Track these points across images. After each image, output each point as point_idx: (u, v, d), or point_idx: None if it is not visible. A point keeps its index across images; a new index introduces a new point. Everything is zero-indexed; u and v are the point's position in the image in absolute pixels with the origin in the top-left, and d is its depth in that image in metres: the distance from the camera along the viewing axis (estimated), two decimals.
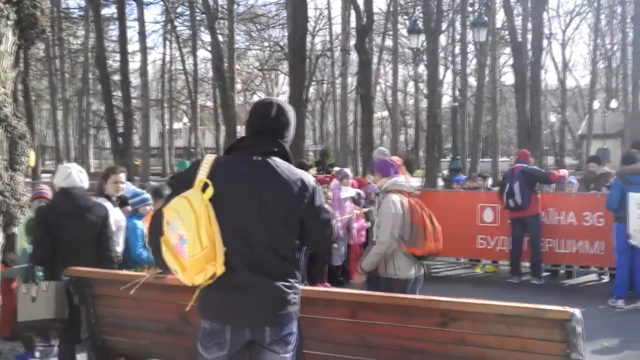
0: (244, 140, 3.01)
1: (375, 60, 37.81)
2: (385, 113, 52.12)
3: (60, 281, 4.55)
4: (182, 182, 2.91)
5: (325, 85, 53.47)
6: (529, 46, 21.79)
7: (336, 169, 10.04)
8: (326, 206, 3.05)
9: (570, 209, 9.53)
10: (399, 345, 3.89)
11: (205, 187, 2.79)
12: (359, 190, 9.74)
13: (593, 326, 7.25)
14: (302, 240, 3.02)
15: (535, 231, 9.35)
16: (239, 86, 59.31)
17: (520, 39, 21.66)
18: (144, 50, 30.31)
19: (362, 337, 3.97)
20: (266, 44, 47.91)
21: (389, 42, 36.17)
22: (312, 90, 56.93)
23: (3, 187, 3.59)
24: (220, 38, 27.89)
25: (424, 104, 40.53)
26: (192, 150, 47.49)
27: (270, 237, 2.87)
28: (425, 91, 33.75)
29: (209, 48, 33.18)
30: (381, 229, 5.19)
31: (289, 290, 2.93)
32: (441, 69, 32.99)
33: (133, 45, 36.91)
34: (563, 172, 10.04)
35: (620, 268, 8.09)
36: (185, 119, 53.93)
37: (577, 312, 3.35)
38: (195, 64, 38.03)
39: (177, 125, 61.67)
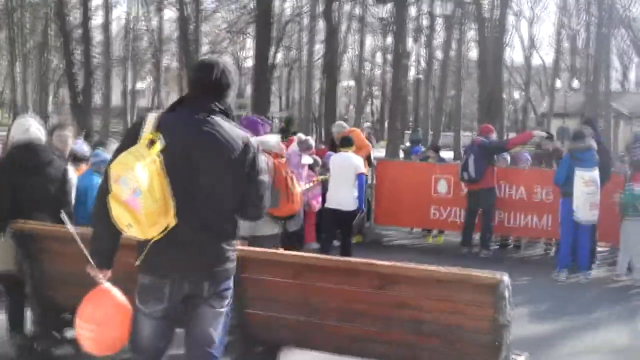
0: (187, 98, 3.05)
1: (344, 28, 37.78)
2: (352, 83, 52.10)
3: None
4: (127, 139, 2.95)
5: (292, 52, 53.20)
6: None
7: (300, 136, 10.08)
8: (266, 169, 3.11)
9: (521, 183, 9.77)
10: (340, 307, 4.01)
11: (151, 143, 2.82)
12: (317, 158, 9.83)
13: (536, 296, 7.61)
14: (241, 205, 3.07)
15: (488, 204, 9.54)
16: (205, 48, 58.76)
17: (487, 15, 21.82)
18: (106, 6, 29.75)
19: (306, 298, 4.08)
20: (234, 6, 47.23)
21: (359, 11, 36.05)
22: (279, 56, 56.56)
23: None
24: None
25: (390, 75, 40.75)
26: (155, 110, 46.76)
27: (214, 194, 2.93)
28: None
29: (176, 7, 32.80)
30: None
31: (229, 248, 3.01)
32: (410, 41, 33.10)
33: (96, 1, 36.18)
34: (536, 132, 10.16)
35: (563, 242, 8.37)
36: (150, 79, 53.16)
37: (505, 277, 3.49)
38: (160, 24, 37.33)
39: (141, 85, 60.82)
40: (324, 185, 9.68)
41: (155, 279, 2.95)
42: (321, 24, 32.24)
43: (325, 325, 4.08)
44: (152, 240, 2.85)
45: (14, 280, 4.78)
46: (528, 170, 10.02)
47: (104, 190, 2.87)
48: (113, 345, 3.11)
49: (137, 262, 2.95)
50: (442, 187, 10.21)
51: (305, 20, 37.44)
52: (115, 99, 53.39)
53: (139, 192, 2.69)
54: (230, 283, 3.07)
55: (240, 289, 4.12)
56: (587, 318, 6.91)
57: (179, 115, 2.98)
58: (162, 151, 2.82)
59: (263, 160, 3.09)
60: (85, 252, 3.09)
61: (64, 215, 3.43)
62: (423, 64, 38.34)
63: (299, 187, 8.84)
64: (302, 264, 4.07)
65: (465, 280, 3.61)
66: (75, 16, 33.54)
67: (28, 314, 5.00)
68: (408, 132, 33.96)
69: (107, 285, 3.09)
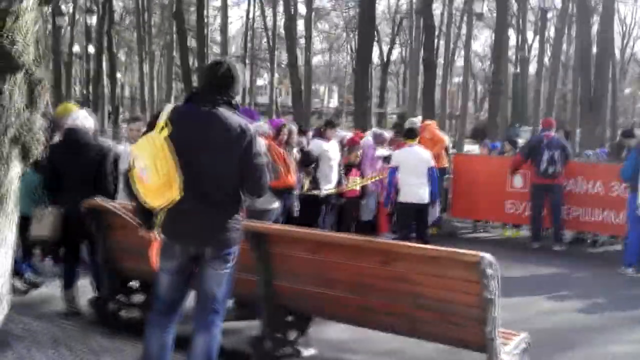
0: (198, 93, 3.64)
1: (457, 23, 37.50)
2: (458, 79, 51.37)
3: (60, 208, 5.39)
4: (149, 126, 3.59)
5: (408, 48, 53.11)
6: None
7: (375, 129, 10.50)
8: (262, 153, 3.63)
9: (598, 178, 9.68)
10: (351, 280, 4.45)
11: (162, 129, 3.43)
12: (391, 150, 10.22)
13: (596, 290, 7.63)
14: (241, 184, 3.61)
15: (559, 199, 9.57)
16: (323, 45, 59.95)
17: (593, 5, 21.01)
18: (224, 7, 31.29)
19: (322, 272, 4.55)
20: (352, 3, 47.96)
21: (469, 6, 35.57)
22: (396, 53, 56.76)
23: (21, 124, 4.37)
24: None
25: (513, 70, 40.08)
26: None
27: (216, 174, 3.49)
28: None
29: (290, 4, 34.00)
30: None
31: (230, 219, 3.56)
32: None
33: (217, 2, 38.07)
34: None
35: (631, 237, 8.27)
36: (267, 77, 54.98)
37: (487, 256, 3.81)
38: (274, 21, 38.61)
39: (261, 82, 63.02)
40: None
41: (168, 240, 3.58)
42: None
43: (339, 297, 4.54)
44: (165, 209, 3.46)
45: (49, 245, 5.68)
46: (605, 165, 9.91)
47: (130, 168, 3.51)
48: None
49: (155, 228, 3.59)
50: (518, 181, 10.28)
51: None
52: (237, 97, 55.78)
53: (147, 168, 3.30)
54: (232, 249, 3.61)
55: (269, 262, 4.70)
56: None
57: (189, 107, 3.58)
58: (172, 136, 3.41)
59: (260, 144, 3.62)
60: (131, 220, 3.78)
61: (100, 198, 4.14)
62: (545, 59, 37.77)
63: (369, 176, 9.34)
64: (319, 240, 4.55)
65: (452, 258, 3.96)
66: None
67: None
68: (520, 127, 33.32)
69: (158, 239, 3.73)
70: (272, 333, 4.82)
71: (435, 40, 27.67)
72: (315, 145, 8.89)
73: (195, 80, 26.75)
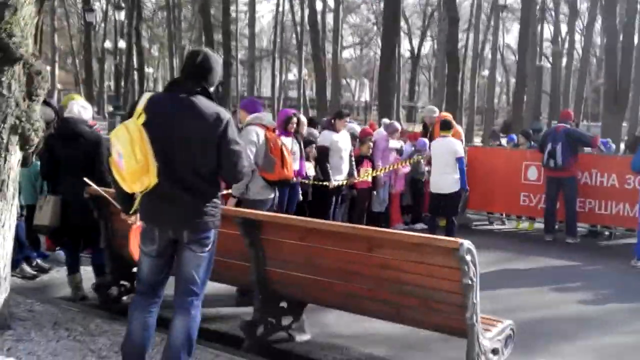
0: (176, 81, 3.76)
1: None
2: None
3: (57, 195, 5.56)
4: (127, 114, 3.71)
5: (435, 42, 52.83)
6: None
7: (385, 120, 10.54)
8: (237, 140, 3.72)
9: (613, 171, 9.58)
10: (337, 267, 4.53)
11: (139, 116, 3.54)
12: (402, 142, 10.27)
13: (605, 282, 7.58)
14: (218, 170, 3.71)
15: (571, 192, 9.50)
16: (354, 39, 59.89)
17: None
18: (252, 2, 31.51)
19: (310, 258, 4.64)
20: None
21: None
22: (428, 46, 56.34)
23: (20, 113, 4.54)
24: None
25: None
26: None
27: (191, 159, 3.59)
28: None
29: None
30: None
31: (207, 204, 3.65)
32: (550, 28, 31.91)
33: None
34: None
35: None
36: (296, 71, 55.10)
37: (465, 242, 3.84)
38: (301, 16, 38.75)
39: (292, 77, 63.13)
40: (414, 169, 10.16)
41: (148, 224, 3.69)
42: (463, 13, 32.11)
43: (326, 283, 4.62)
44: (143, 194, 3.58)
45: (51, 233, 5.84)
46: (620, 158, 9.80)
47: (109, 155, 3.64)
48: None
49: (131, 211, 3.72)
50: (533, 173, 10.23)
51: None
52: (268, 91, 56.03)
53: (121, 155, 3.42)
54: (210, 233, 3.71)
55: (260, 249, 4.80)
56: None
57: (167, 95, 3.69)
58: (148, 123, 3.52)
59: (235, 132, 3.70)
60: (116, 204, 3.92)
61: (87, 180, 4.26)
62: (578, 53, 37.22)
63: (380, 167, 9.41)
64: (307, 227, 4.62)
65: (432, 244, 4.01)
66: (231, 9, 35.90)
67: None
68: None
69: (138, 223, 3.87)
70: (265, 318, 4.93)
71: (465, 33, 27.52)
72: (325, 137, 8.97)
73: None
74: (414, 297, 4.22)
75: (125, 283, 5.78)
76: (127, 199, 3.75)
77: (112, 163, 3.53)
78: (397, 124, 10.28)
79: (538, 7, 27.74)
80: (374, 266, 4.34)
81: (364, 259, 4.36)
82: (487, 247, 9.32)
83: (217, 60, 3.77)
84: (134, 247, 3.92)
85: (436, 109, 10.79)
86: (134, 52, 33.82)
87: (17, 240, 6.33)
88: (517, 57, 19.75)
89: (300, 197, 8.58)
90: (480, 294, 7.10)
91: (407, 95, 60.03)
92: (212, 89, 3.74)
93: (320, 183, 8.72)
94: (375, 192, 9.77)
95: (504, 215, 11.30)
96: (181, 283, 3.73)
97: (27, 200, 6.49)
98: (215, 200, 3.72)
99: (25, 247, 6.53)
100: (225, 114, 3.65)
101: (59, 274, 6.60)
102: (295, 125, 8.25)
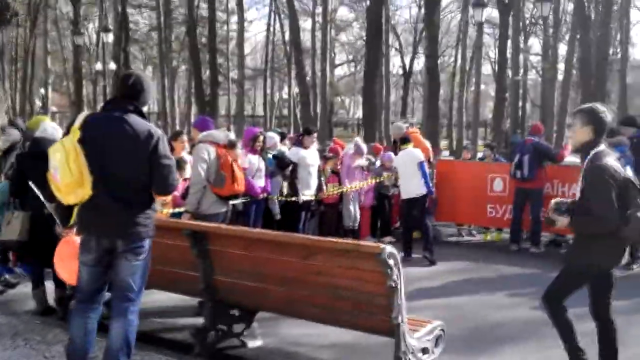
0: (111, 101, 4.07)
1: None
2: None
3: (27, 212, 5.81)
4: (65, 131, 4.00)
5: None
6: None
7: (357, 140, 10.86)
8: (168, 154, 4.01)
9: (574, 182, 9.81)
10: (278, 274, 4.79)
11: (74, 133, 3.83)
12: (371, 158, 10.59)
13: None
14: (150, 183, 3.98)
15: (537, 203, 9.75)
16: (348, 57, 60.35)
17: (591, 14, 21.10)
18: (241, 22, 31.91)
19: (253, 266, 4.89)
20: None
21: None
22: (421, 63, 56.62)
23: None
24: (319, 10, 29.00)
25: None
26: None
27: (124, 173, 3.88)
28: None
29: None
30: (193, 171, 6.36)
31: (139, 214, 3.92)
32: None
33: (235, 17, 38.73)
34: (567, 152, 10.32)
35: None
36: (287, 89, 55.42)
37: (387, 247, 4.10)
38: (290, 35, 39.09)
39: (285, 95, 63.46)
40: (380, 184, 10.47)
41: (85, 234, 3.96)
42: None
43: (269, 290, 4.88)
44: (79, 206, 3.85)
45: (18, 247, 6.07)
46: (578, 168, 10.01)
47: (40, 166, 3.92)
48: (74, 274, 4.12)
49: (70, 222, 3.98)
50: (498, 185, 10.51)
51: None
52: (261, 109, 56.32)
53: (57, 169, 3.69)
54: (144, 243, 3.98)
55: (208, 259, 5.06)
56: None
57: (102, 114, 4.00)
58: (84, 139, 3.80)
59: (166, 148, 3.99)
60: (55, 216, 4.17)
61: (33, 186, 4.53)
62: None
63: (347, 185, 9.67)
64: (249, 237, 4.90)
65: (358, 250, 4.27)
66: (222, 29, 36.28)
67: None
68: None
69: (69, 238, 4.14)
70: (215, 325, 5.18)
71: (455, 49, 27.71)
72: (293, 153, 9.26)
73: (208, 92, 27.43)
74: (346, 301, 4.48)
75: None
76: (65, 212, 4.01)
77: (49, 177, 3.80)
78: (364, 147, 10.56)
79: (522, 22, 28.24)
80: (310, 273, 4.59)
81: (301, 266, 4.61)
82: (454, 257, 9.63)
83: (148, 82, 4.08)
84: (58, 261, 4.17)
85: (403, 126, 11.15)
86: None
87: None
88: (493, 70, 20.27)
89: (279, 216, 8.93)
90: (439, 300, 7.42)
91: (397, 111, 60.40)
92: (144, 108, 4.03)
93: (289, 199, 9.01)
94: (340, 207, 10.07)
95: (472, 226, 11.55)
96: (118, 290, 4.00)
97: None
98: (148, 211, 3.99)
99: None
100: (157, 131, 3.94)
101: (27, 288, 6.83)
102: (261, 144, 8.58)
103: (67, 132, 3.94)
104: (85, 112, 4.05)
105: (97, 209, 3.85)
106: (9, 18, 5.02)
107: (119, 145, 3.85)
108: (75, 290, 4.14)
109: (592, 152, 4.45)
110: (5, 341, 5.01)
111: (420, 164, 9.24)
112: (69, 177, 3.71)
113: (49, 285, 6.22)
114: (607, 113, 4.52)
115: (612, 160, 4.42)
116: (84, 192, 3.77)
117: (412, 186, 9.24)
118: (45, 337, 5.14)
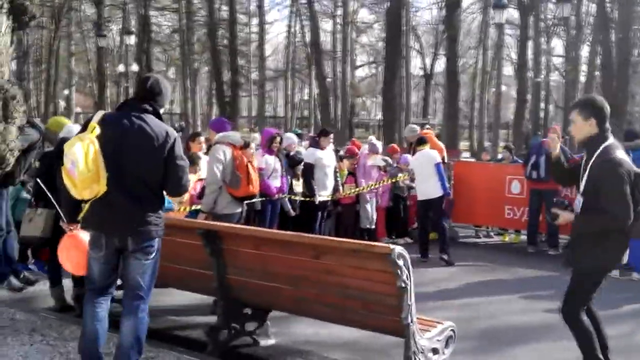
0: (128, 101, 4.13)
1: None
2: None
3: (52, 210, 5.90)
4: (82, 128, 4.07)
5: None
6: None
7: (371, 138, 10.89)
8: (183, 156, 4.07)
9: None
10: (287, 273, 4.83)
11: (92, 130, 3.90)
12: (388, 159, 10.59)
13: None
14: (163, 183, 4.04)
15: (551, 204, 9.65)
16: (369, 58, 60.30)
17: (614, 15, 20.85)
18: (261, 24, 32.14)
19: (264, 266, 4.94)
20: None
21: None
22: (443, 64, 56.45)
23: None
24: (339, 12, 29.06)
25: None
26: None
27: (140, 172, 3.93)
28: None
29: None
30: (208, 171, 6.39)
31: (151, 214, 3.98)
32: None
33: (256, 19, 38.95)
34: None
35: None
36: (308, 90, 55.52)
37: (397, 248, 4.12)
38: (314, 36, 39.20)
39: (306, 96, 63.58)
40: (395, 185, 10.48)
41: (95, 232, 4.02)
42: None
43: (279, 289, 4.92)
44: (90, 202, 3.91)
45: (40, 244, 6.19)
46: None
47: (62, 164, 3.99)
48: (77, 266, 4.23)
49: (79, 217, 4.05)
50: (516, 187, 10.47)
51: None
52: (283, 110, 56.48)
53: (74, 163, 3.75)
54: (154, 242, 4.04)
55: (221, 257, 5.12)
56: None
57: (120, 113, 4.06)
58: (102, 137, 3.86)
59: (181, 149, 4.05)
60: (60, 212, 4.26)
61: (41, 184, 4.62)
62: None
63: (363, 185, 9.70)
64: (260, 237, 4.95)
65: (368, 250, 4.29)
66: (245, 32, 36.56)
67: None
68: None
69: (74, 232, 4.23)
70: (229, 323, 5.23)
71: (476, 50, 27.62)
72: (309, 153, 9.31)
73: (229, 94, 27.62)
74: (356, 300, 4.51)
75: None
76: (74, 207, 4.08)
77: (64, 171, 3.86)
78: (377, 144, 10.58)
79: (545, 23, 28.06)
80: (320, 272, 4.63)
81: (311, 265, 4.65)
82: (472, 258, 9.61)
83: (166, 85, 4.15)
84: (62, 252, 4.25)
85: (416, 128, 11.18)
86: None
87: (6, 254, 6.75)
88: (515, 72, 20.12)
89: (292, 212, 8.99)
90: (455, 301, 7.42)
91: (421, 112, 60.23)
92: (161, 110, 4.10)
93: (306, 199, 9.06)
94: (357, 208, 10.10)
95: (489, 228, 11.52)
96: (128, 288, 4.06)
97: (19, 216, 6.86)
98: (159, 211, 4.05)
99: (14, 261, 6.90)
100: (173, 132, 4.01)
101: (46, 286, 6.94)
102: (278, 144, 8.65)
103: (84, 129, 4.00)
104: (102, 111, 4.10)
105: (111, 206, 3.91)
106: (27, 21, 5.08)
107: (137, 144, 3.91)
108: (86, 280, 4.20)
109: (602, 146, 4.37)
110: (23, 337, 5.10)
111: (437, 166, 9.28)
112: (85, 172, 3.76)
113: (67, 283, 6.34)
114: (605, 102, 4.47)
115: (623, 153, 4.37)
116: (99, 188, 3.83)
117: (428, 187, 9.27)
118: (62, 333, 5.22)
